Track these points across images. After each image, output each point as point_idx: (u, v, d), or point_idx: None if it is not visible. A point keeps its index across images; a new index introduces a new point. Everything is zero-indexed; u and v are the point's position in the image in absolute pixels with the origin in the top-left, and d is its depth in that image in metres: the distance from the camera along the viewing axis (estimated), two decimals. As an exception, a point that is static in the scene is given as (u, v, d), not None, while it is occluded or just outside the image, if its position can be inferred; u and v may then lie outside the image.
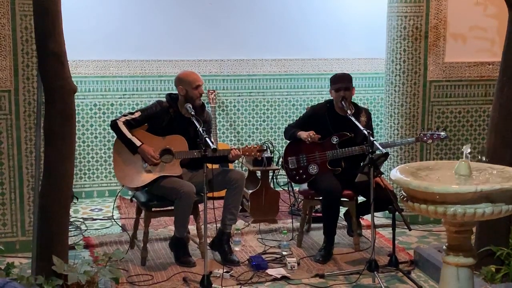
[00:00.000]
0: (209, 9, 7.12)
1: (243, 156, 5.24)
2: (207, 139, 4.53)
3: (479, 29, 6.09)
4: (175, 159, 5.00)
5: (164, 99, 5.17)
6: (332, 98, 5.37)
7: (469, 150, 3.40)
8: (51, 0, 3.88)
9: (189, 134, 5.01)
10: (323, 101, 5.62)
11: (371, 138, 4.71)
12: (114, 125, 4.99)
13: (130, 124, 4.99)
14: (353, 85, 5.32)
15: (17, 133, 5.13)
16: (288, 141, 5.47)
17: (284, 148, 5.52)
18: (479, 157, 3.76)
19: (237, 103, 7.33)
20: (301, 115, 5.78)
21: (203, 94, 5.09)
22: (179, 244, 5.07)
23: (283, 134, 5.70)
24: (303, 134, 5.27)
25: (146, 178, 4.98)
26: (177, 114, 5.08)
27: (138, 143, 4.93)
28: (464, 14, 6.00)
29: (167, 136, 5.03)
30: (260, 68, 7.34)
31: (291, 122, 6.29)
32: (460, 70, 6.12)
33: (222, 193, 5.17)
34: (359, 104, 5.58)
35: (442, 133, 5.15)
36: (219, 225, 5.19)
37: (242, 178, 5.08)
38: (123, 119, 4.99)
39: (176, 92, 5.13)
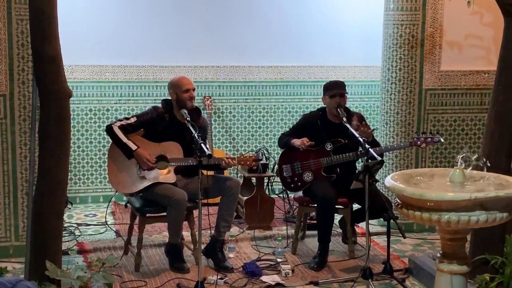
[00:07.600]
0: (206, 15, 7.11)
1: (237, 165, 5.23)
2: (202, 145, 4.53)
3: (475, 37, 6.10)
4: (170, 166, 4.99)
5: (159, 105, 5.17)
6: (324, 105, 5.38)
7: (464, 155, 3.41)
8: (47, 4, 3.89)
9: (185, 140, 4.99)
10: (315, 109, 5.62)
11: (366, 145, 4.73)
12: (109, 130, 4.98)
13: (125, 129, 4.98)
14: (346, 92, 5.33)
15: (12, 137, 5.11)
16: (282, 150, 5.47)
17: (278, 156, 5.52)
18: (481, 163, 3.76)
19: (233, 110, 7.33)
20: (295, 123, 5.78)
21: (197, 99, 5.08)
22: (173, 251, 5.05)
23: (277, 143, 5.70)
24: (296, 142, 5.26)
25: (140, 184, 4.97)
26: (173, 120, 5.08)
27: (134, 147, 4.92)
28: (460, 22, 6.01)
29: (162, 142, 5.02)
30: (256, 74, 7.34)
31: (287, 129, 6.29)
32: (455, 79, 6.13)
33: (217, 199, 5.16)
34: (351, 110, 5.60)
35: (437, 136, 5.15)
36: (213, 231, 5.17)
37: (237, 186, 5.07)
38: (118, 123, 4.98)
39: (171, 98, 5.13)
